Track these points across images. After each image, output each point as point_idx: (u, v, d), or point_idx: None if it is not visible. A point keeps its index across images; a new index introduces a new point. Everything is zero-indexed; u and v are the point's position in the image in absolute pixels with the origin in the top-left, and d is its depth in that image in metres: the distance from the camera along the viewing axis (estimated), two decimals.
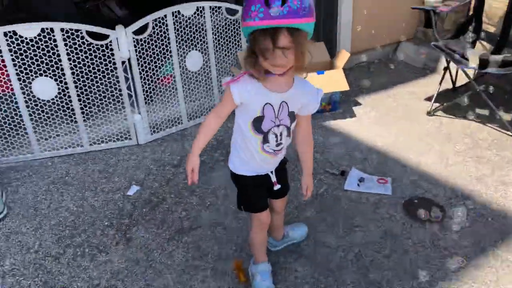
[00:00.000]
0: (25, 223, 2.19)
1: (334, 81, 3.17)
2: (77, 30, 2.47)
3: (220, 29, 2.96)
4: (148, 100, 2.83)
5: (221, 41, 3.01)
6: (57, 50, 2.47)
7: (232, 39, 3.05)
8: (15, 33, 2.37)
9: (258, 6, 1.27)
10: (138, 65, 2.68)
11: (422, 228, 2.15)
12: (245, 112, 1.51)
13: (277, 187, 1.72)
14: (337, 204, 2.33)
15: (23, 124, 2.58)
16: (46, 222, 2.20)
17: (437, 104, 3.21)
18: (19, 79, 2.47)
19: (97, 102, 2.70)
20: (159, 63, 2.79)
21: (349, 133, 2.99)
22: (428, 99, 3.34)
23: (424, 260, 1.98)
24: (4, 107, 2.51)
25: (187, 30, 2.82)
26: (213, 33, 2.92)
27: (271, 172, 1.71)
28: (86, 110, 2.69)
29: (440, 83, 3.22)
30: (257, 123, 1.52)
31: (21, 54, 2.42)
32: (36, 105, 2.58)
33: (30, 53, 2.43)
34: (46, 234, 2.12)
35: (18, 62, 2.43)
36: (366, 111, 3.27)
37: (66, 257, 2.00)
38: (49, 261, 1.98)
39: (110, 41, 2.56)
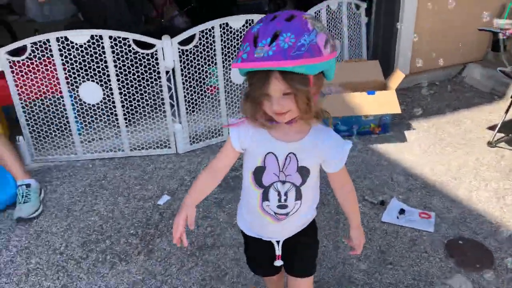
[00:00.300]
0: (56, 224, 2.25)
1: (386, 102, 2.99)
2: (124, 38, 2.53)
3: None
4: (190, 110, 2.83)
5: None
6: (105, 57, 2.54)
7: None
8: (66, 38, 2.47)
9: (246, 45, 1.08)
10: (182, 76, 2.69)
11: (464, 274, 1.93)
12: (248, 160, 1.29)
13: (278, 263, 1.42)
14: (371, 236, 2.16)
15: (69, 126, 2.68)
16: (76, 224, 2.24)
17: (501, 135, 2.92)
18: (67, 83, 2.57)
19: (140, 109, 2.75)
20: (203, 74, 2.79)
21: (397, 159, 2.79)
22: (492, 128, 3.04)
23: None
24: (52, 108, 2.62)
25: (234, 42, 2.80)
26: None
27: (277, 242, 1.40)
28: (129, 116, 2.74)
29: (507, 112, 2.92)
30: (258, 174, 1.27)
31: (70, 59, 2.52)
32: (82, 108, 2.68)
33: (79, 59, 2.52)
34: (73, 236, 2.17)
35: (68, 66, 2.53)
36: (419, 136, 3.04)
37: (88, 262, 2.02)
38: (71, 264, 2.01)
39: (156, 51, 2.59)
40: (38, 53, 2.47)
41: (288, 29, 1.05)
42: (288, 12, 1.10)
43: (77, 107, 2.68)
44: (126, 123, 2.74)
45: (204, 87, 2.87)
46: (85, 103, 2.65)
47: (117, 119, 2.72)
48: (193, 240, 2.14)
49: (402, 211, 2.30)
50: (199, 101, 2.89)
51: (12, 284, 1.91)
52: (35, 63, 2.50)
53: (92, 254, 2.07)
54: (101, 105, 2.67)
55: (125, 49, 2.55)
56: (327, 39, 1.09)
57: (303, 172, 1.26)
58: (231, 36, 2.77)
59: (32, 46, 2.46)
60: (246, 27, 2.79)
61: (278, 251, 1.40)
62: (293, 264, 1.46)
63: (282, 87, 1.08)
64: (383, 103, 2.98)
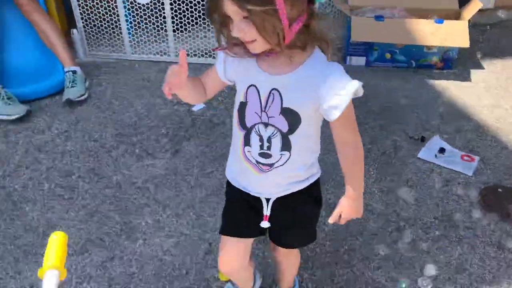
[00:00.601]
0: (96, 113, 2.36)
1: (454, 34, 2.68)
2: None
3: None
4: None
5: None
6: None
7: None
8: None
9: None
10: None
11: (493, 223, 1.79)
12: (236, 96, 1.08)
13: (264, 224, 1.17)
14: (402, 170, 2.05)
15: (120, 25, 2.72)
16: (113, 117, 2.34)
17: None
18: None
19: (188, 13, 2.69)
20: None
21: (454, 97, 2.55)
22: None
23: (478, 258, 1.66)
24: (105, 4, 2.65)
25: None
26: None
27: (266, 199, 1.14)
28: (177, 20, 2.71)
29: None
30: (241, 112, 1.06)
31: None
32: (132, 7, 2.68)
33: None
34: (109, 127, 2.27)
35: None
36: (486, 77, 2.74)
37: (117, 152, 2.12)
38: (102, 152, 2.13)
39: None
40: None
41: None
42: None
43: (128, 5, 2.69)
44: (173, 27, 2.73)
45: None
46: (135, 1, 2.65)
47: (165, 22, 2.71)
48: (218, 148, 2.16)
49: (442, 150, 2.13)
50: None
51: (49, 160, 2.07)
52: None
53: (122, 146, 2.16)
54: (151, 6, 2.66)
55: None
56: None
57: (289, 116, 1.01)
58: None
59: None
60: None
61: (267, 210, 1.15)
62: (280, 234, 1.23)
63: (235, 7, 0.87)
64: (451, 34, 2.67)
